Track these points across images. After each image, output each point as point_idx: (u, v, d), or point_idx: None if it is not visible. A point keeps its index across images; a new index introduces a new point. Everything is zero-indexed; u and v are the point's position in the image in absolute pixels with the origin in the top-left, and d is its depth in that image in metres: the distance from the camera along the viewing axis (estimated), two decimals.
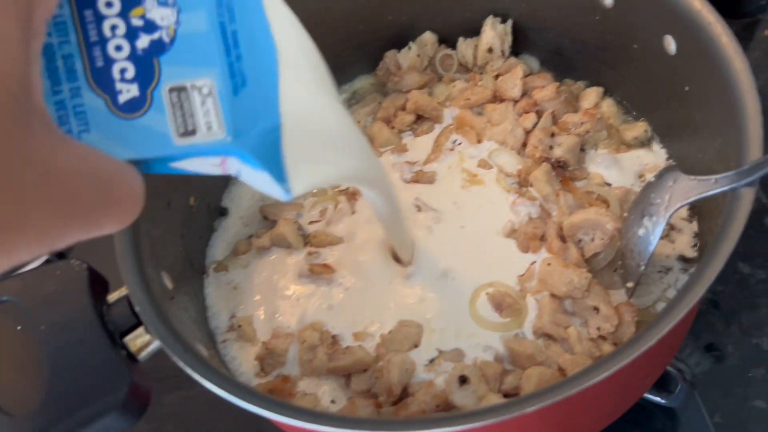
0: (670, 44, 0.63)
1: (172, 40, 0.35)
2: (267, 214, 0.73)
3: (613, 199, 0.67)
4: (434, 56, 0.80)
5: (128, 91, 0.35)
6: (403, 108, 0.77)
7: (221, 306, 0.68)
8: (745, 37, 0.95)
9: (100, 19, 0.34)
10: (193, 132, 0.35)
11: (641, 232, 0.55)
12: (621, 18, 0.67)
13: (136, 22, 0.35)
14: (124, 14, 0.35)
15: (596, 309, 0.61)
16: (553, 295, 0.62)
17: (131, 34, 0.35)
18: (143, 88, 0.35)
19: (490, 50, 0.76)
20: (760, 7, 0.59)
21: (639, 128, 0.73)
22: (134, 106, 0.34)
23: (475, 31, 0.78)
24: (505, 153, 0.72)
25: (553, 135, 0.71)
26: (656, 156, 0.72)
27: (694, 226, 0.66)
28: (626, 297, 0.61)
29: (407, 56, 0.79)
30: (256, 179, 0.39)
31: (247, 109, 0.36)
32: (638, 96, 0.73)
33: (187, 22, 0.36)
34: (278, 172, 0.39)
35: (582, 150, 0.72)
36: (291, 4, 0.65)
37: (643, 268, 0.56)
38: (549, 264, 0.63)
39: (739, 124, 0.52)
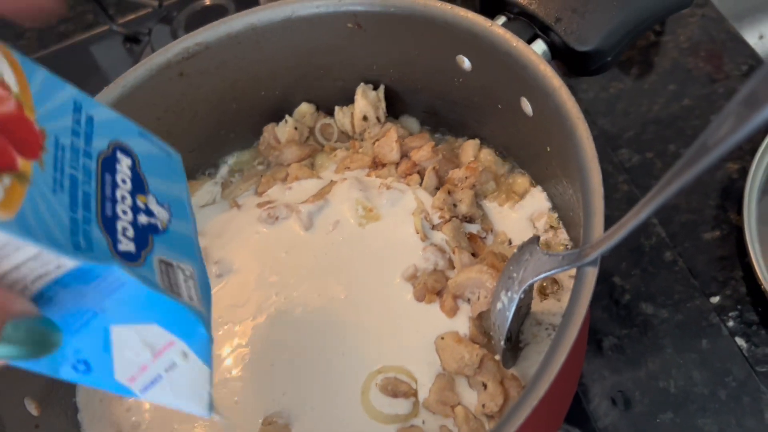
0: (527, 106, 0.62)
1: (165, 230, 0.42)
2: None
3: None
4: (314, 126, 0.79)
5: (127, 245, 0.38)
6: (284, 180, 0.76)
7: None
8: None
9: (115, 185, 0.40)
10: (178, 294, 0.39)
11: (499, 306, 0.54)
12: (481, 81, 0.66)
13: (140, 204, 0.41)
14: (132, 194, 0.41)
15: (485, 385, 0.59)
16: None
17: (135, 209, 0.41)
18: (139, 249, 0.39)
19: (365, 118, 0.75)
20: (604, 65, 0.58)
21: (524, 181, 0.72)
22: (130, 258, 0.38)
23: (350, 99, 0.77)
24: (423, 191, 0.70)
25: (449, 193, 0.70)
26: (540, 202, 0.71)
27: None
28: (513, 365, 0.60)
29: (284, 130, 0.77)
30: (185, 379, 0.40)
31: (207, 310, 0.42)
32: (513, 148, 0.72)
33: (177, 225, 0.43)
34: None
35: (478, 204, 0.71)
36: (159, 89, 0.63)
37: (502, 343, 0.55)
38: (442, 338, 0.61)
39: (585, 196, 0.51)
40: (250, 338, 0.64)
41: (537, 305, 0.65)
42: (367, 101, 0.75)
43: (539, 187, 0.71)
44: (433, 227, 0.67)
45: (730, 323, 0.73)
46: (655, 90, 0.94)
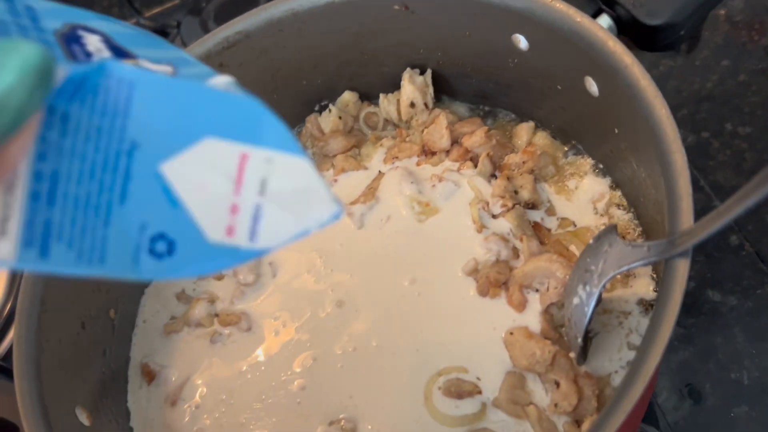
0: (592, 86, 0.58)
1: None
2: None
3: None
4: (358, 115, 0.75)
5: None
6: (329, 170, 0.73)
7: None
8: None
9: (88, 54, 0.29)
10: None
11: (576, 301, 0.51)
12: (538, 61, 0.62)
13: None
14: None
15: (557, 383, 0.56)
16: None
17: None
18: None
19: (412, 105, 0.72)
20: (677, 39, 0.54)
21: (585, 163, 0.68)
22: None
23: (396, 85, 0.73)
24: (480, 178, 0.67)
25: (509, 179, 0.66)
26: (601, 184, 0.67)
27: (649, 267, 0.61)
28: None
29: (329, 119, 0.74)
30: (289, 189, 0.30)
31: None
32: (572, 130, 0.68)
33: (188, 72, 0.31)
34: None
35: None
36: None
37: (580, 340, 0.52)
38: (512, 333, 0.58)
39: (669, 183, 0.47)
40: (312, 336, 0.62)
41: (606, 291, 0.61)
42: (414, 87, 0.71)
43: (601, 170, 0.67)
44: (494, 216, 0.63)
45: None
46: (708, 66, 0.89)
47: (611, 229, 0.51)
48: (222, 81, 0.30)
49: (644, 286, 0.61)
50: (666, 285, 0.44)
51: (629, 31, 0.57)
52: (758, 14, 0.92)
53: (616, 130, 0.58)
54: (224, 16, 0.95)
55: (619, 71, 0.53)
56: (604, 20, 0.58)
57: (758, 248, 0.74)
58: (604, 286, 0.49)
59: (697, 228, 0.43)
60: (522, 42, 0.62)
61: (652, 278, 0.61)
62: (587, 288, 0.49)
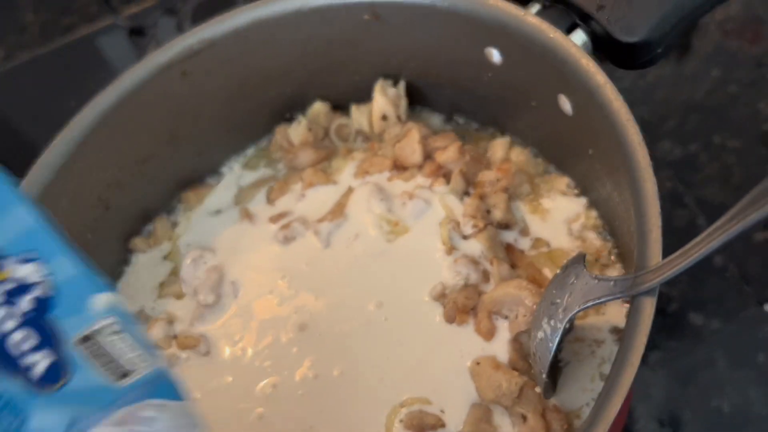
0: (566, 104, 0.56)
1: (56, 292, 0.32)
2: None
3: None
4: (329, 126, 0.73)
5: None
6: (297, 183, 0.70)
7: None
8: None
9: None
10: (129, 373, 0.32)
11: (540, 335, 0.48)
12: (512, 75, 0.60)
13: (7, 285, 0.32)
14: None
15: (524, 417, 0.53)
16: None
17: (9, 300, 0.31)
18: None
19: (384, 117, 0.69)
20: (655, 57, 0.51)
21: (561, 182, 0.65)
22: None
23: (368, 96, 0.70)
24: (452, 196, 0.64)
25: (482, 198, 0.63)
26: (577, 204, 0.64)
27: None
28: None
29: (298, 131, 0.71)
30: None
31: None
32: (549, 148, 0.66)
33: (60, 269, 0.33)
34: None
35: None
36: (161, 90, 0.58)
37: (544, 376, 0.49)
38: (478, 363, 0.56)
39: (639, 213, 0.45)
40: (273, 363, 0.59)
41: (577, 319, 0.59)
42: (386, 99, 0.68)
43: (577, 190, 0.65)
44: (465, 237, 0.61)
45: None
46: (697, 76, 0.86)
47: (579, 259, 0.48)
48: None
49: (617, 314, 0.58)
50: (630, 324, 0.41)
51: (604, 47, 0.54)
52: (750, 22, 0.89)
53: (590, 151, 0.56)
54: (201, 16, 0.92)
55: (591, 91, 0.50)
56: (579, 36, 0.55)
57: (743, 269, 0.71)
58: (570, 321, 0.46)
59: (664, 266, 0.40)
60: (495, 56, 0.60)
61: (624, 305, 0.58)
62: (551, 322, 0.47)
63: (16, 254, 0.32)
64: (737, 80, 0.85)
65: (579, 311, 0.45)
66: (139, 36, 1.06)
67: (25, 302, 0.32)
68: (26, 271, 0.32)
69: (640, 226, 0.44)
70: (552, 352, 0.47)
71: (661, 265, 0.41)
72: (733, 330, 0.69)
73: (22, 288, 0.32)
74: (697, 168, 0.80)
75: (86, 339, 0.32)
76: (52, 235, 0.34)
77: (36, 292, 0.32)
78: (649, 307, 0.41)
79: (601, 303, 0.45)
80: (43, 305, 0.32)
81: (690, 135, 0.82)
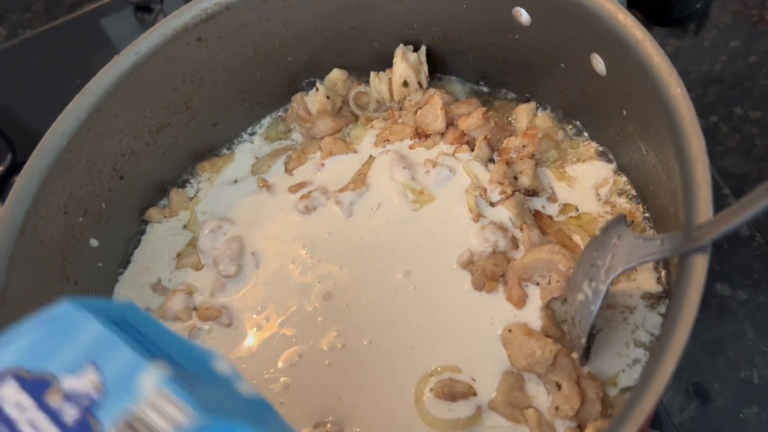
0: (599, 63, 0.54)
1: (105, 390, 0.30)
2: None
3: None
4: (347, 95, 0.71)
5: None
6: (316, 153, 0.68)
7: None
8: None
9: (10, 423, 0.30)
10: None
11: (580, 297, 0.46)
12: (541, 37, 0.58)
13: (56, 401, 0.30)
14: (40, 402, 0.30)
15: (558, 385, 0.52)
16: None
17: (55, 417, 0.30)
18: None
19: (405, 84, 0.67)
20: (692, 13, 0.49)
21: (588, 147, 0.64)
22: None
23: (387, 62, 0.69)
24: (477, 163, 0.62)
25: (508, 164, 0.62)
26: (605, 170, 0.63)
27: None
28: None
29: (316, 99, 0.69)
30: None
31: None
32: (575, 111, 0.64)
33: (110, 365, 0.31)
34: None
35: None
36: (176, 56, 0.54)
37: (584, 340, 0.47)
38: (510, 331, 0.54)
39: (685, 170, 0.43)
40: (297, 332, 0.58)
41: None
42: (407, 64, 0.66)
43: (605, 155, 0.63)
44: (492, 204, 0.59)
45: None
46: (717, 46, 0.84)
47: (620, 219, 0.46)
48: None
49: (648, 279, 0.57)
50: (682, 284, 0.40)
51: (640, 3, 0.52)
52: None
53: (624, 112, 0.54)
54: None
55: (629, 47, 0.48)
56: None
57: None
58: (611, 283, 0.45)
59: (718, 220, 0.39)
60: (523, 16, 0.58)
61: (655, 270, 0.57)
62: (593, 284, 0.45)
63: (72, 371, 0.31)
64: (758, 51, 0.83)
65: (624, 271, 0.44)
66: (146, 12, 1.04)
67: (71, 413, 0.30)
68: (77, 384, 0.30)
69: (687, 182, 0.42)
70: (594, 315, 0.45)
71: (714, 221, 0.39)
72: (761, 301, 0.67)
73: (69, 398, 0.30)
74: (719, 140, 0.78)
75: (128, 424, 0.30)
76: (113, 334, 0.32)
77: (83, 402, 0.30)
78: (702, 264, 0.39)
79: (647, 262, 0.43)
80: (88, 410, 0.30)
81: (711, 106, 0.80)
